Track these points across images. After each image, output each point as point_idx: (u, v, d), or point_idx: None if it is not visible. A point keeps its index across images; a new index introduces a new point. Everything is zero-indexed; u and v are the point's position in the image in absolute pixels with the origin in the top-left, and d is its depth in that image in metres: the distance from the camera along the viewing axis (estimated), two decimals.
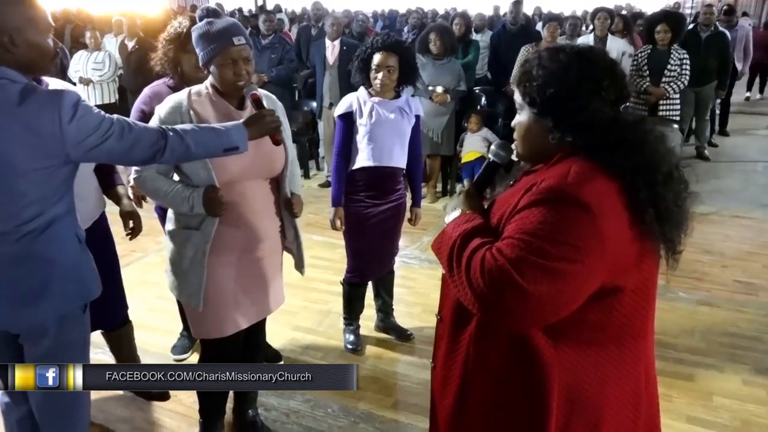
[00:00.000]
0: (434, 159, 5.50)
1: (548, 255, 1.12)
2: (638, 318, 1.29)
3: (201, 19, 2.02)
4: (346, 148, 2.93)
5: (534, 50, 1.35)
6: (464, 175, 5.49)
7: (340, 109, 2.94)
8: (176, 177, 2.13)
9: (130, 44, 6.82)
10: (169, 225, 2.18)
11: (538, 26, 7.45)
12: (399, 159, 2.95)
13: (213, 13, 2.02)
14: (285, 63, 5.78)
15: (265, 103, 2.02)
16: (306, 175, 6.35)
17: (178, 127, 1.79)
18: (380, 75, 2.82)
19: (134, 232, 2.54)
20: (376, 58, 2.82)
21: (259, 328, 2.39)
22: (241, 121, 1.89)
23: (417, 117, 2.98)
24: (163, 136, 1.73)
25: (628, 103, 1.32)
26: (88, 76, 6.68)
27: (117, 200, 2.50)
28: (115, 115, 1.70)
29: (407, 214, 3.12)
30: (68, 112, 1.57)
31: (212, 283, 2.11)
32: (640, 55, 5.58)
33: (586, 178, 1.18)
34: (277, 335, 3.17)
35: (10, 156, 1.54)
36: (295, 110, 6.26)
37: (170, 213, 2.19)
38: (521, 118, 1.36)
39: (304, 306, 3.61)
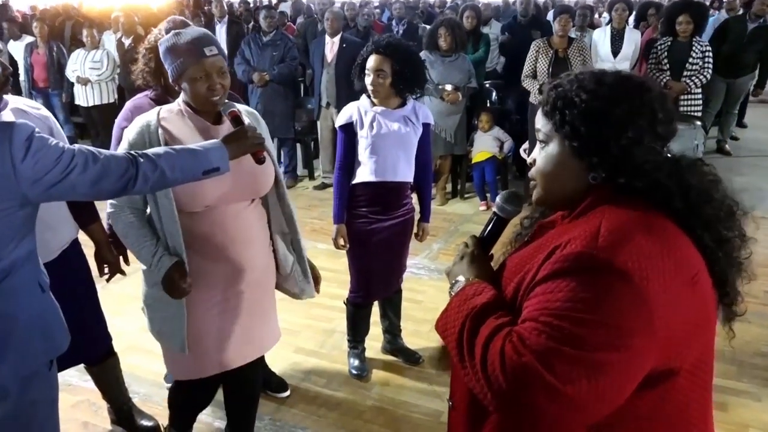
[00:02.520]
0: (444, 158, 5.27)
1: (584, 343, 0.89)
2: (696, 402, 1.05)
3: (168, 32, 1.81)
4: (348, 161, 2.71)
5: (568, 73, 1.12)
6: (475, 175, 5.27)
7: (340, 119, 2.72)
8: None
9: (127, 42, 6.61)
10: (142, 264, 1.97)
11: (549, 16, 7.18)
12: (405, 173, 2.73)
13: (181, 24, 1.81)
14: (287, 61, 5.54)
15: (246, 119, 1.83)
16: (311, 176, 6.15)
17: (150, 151, 1.59)
18: (369, 79, 2.61)
19: (111, 276, 2.38)
20: (369, 61, 2.62)
21: (251, 370, 2.14)
22: (220, 139, 1.69)
23: (426, 125, 2.76)
24: (134, 163, 1.52)
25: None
26: (86, 75, 6.48)
27: (93, 238, 2.29)
28: (77, 145, 1.50)
29: (415, 229, 2.90)
30: (21, 148, 1.36)
31: (193, 324, 1.91)
32: (659, 47, 5.29)
33: (621, 238, 0.96)
34: (277, 358, 2.98)
35: None
36: (299, 108, 6.04)
37: None
38: (550, 151, 1.10)
39: (306, 324, 3.41)
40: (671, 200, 1.02)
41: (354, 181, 2.72)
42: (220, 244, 1.91)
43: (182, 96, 1.88)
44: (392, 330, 3.10)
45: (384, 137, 2.63)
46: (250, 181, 1.91)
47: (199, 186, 1.73)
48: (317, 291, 2.27)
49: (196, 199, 1.83)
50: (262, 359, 2.26)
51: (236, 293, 1.97)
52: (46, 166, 1.40)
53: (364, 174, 2.68)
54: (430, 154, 2.90)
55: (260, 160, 1.78)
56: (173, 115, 1.87)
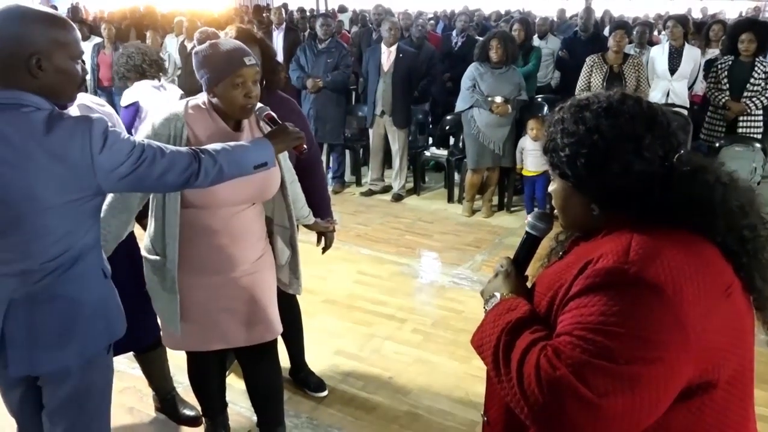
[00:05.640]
0: (492, 170, 5.24)
1: (618, 356, 0.91)
2: (735, 414, 1.05)
3: (201, 42, 1.89)
4: None
5: (557, 108, 1.16)
6: (525, 189, 5.18)
7: None
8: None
9: (190, 45, 6.84)
10: (143, 251, 2.12)
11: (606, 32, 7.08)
12: None
13: (213, 35, 1.90)
14: (341, 68, 5.63)
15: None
16: (358, 182, 6.22)
17: (209, 147, 1.68)
18: None
19: None
20: None
21: (256, 359, 2.27)
22: (263, 136, 1.83)
23: None
24: (197, 158, 1.61)
25: (681, 151, 1.09)
26: None
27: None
28: (146, 140, 1.59)
29: None
30: (99, 141, 1.45)
31: (186, 304, 2.05)
32: (720, 66, 5.16)
33: (652, 252, 0.97)
34: (318, 359, 3.03)
35: (37, 189, 1.42)
36: (350, 116, 6.13)
37: (145, 238, 2.12)
38: (555, 187, 1.17)
39: (347, 327, 3.46)
40: (687, 216, 1.03)
41: None
42: (218, 237, 2.01)
43: (206, 97, 1.94)
44: None
45: None
46: (260, 186, 2.01)
47: (214, 188, 1.80)
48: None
49: (208, 199, 1.92)
50: (273, 352, 2.32)
51: (228, 281, 2.06)
52: (120, 158, 1.48)
53: None
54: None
55: (302, 153, 1.92)
56: (199, 113, 1.94)
